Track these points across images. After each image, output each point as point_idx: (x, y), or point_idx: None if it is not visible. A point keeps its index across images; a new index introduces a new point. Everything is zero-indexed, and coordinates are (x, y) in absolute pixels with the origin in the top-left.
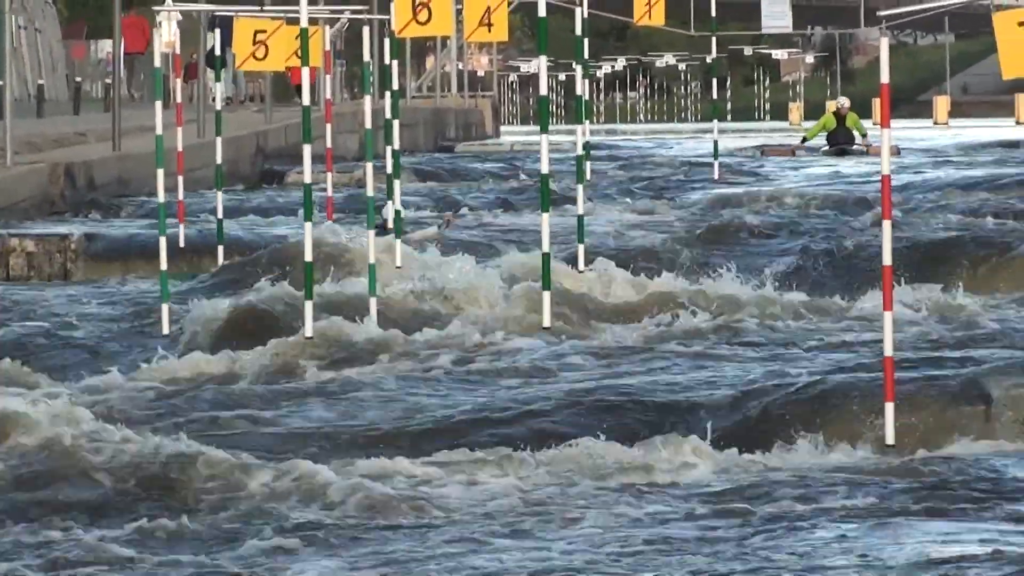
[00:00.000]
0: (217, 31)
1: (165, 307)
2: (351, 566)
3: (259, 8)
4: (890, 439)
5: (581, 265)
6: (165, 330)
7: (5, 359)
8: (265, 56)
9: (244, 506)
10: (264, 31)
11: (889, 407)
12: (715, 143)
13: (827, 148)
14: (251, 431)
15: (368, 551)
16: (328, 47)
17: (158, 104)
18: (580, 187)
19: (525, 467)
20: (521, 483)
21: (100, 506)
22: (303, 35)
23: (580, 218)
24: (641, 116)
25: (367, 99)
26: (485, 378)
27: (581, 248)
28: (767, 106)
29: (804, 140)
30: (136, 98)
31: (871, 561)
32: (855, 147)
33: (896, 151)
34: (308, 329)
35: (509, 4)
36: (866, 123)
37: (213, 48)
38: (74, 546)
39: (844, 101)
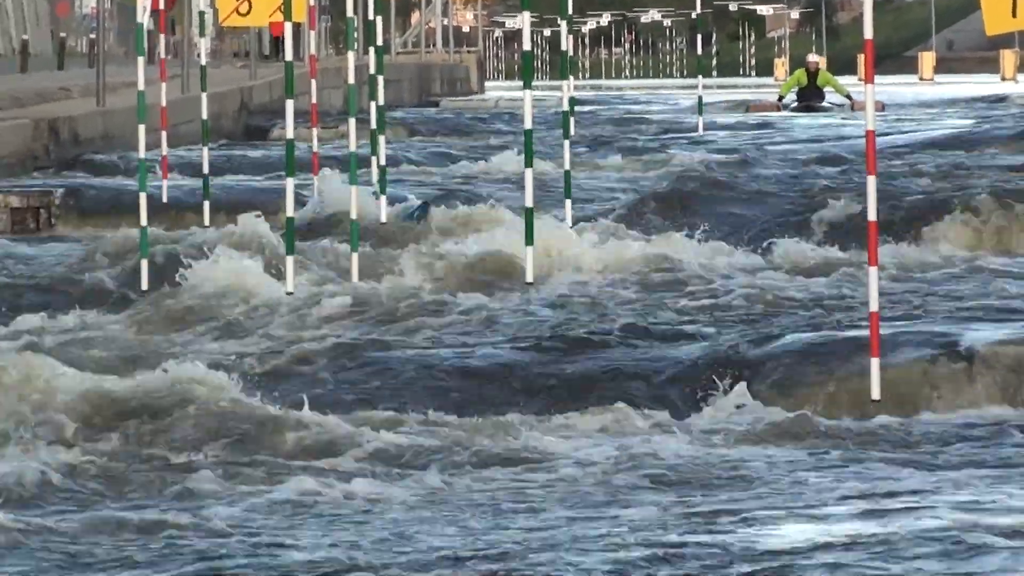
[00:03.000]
0: None
1: (144, 263)
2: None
3: None
4: (876, 395)
5: (568, 221)
6: (144, 286)
7: None
8: (248, 11)
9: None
10: None
11: (875, 362)
12: (699, 99)
13: (796, 104)
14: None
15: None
16: (312, 2)
17: (140, 59)
18: (566, 143)
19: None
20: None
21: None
22: None
23: (567, 173)
24: (627, 72)
25: (351, 55)
26: (466, 335)
27: (568, 203)
28: (752, 62)
29: (780, 98)
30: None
31: (860, 515)
32: (826, 104)
33: (881, 107)
34: (290, 284)
35: None
36: (851, 79)
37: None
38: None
39: (813, 58)
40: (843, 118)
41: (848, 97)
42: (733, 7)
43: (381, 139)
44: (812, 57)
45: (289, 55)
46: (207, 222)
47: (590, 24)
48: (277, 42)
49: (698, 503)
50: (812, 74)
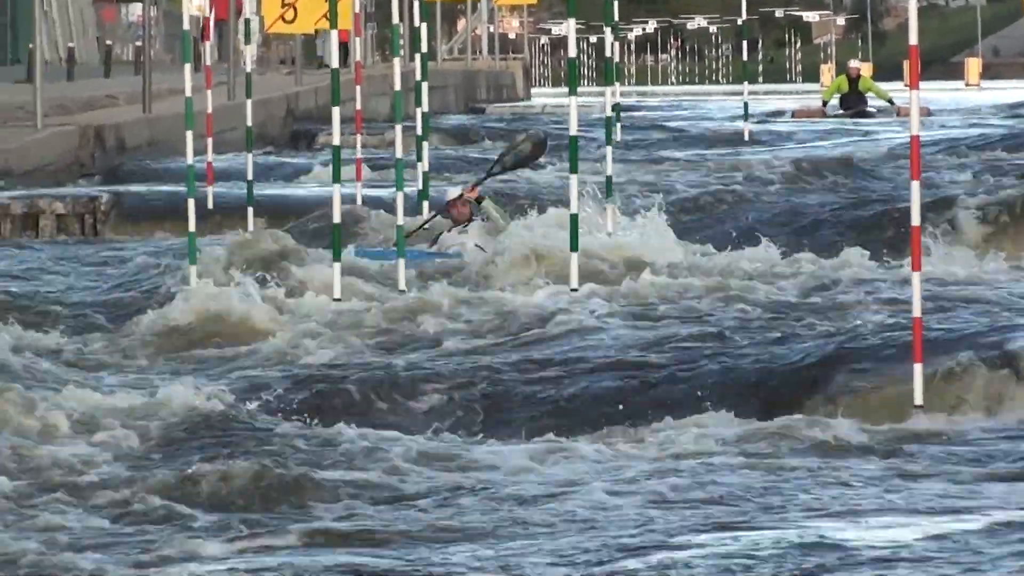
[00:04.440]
0: None
1: (193, 268)
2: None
3: None
4: (919, 399)
5: (610, 226)
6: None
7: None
8: (294, 19)
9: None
10: None
11: (918, 368)
12: (745, 105)
13: (841, 112)
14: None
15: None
16: (358, 9)
17: (187, 67)
18: (609, 148)
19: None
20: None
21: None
22: None
23: (608, 179)
24: (672, 78)
25: (396, 61)
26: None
27: (610, 209)
28: (799, 68)
29: (825, 103)
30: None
31: (902, 520)
32: (869, 109)
33: (927, 112)
34: (337, 290)
35: None
36: (897, 84)
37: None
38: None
39: (854, 64)
40: (886, 123)
41: (890, 102)
42: (779, 13)
43: (425, 145)
44: (853, 63)
45: (335, 62)
46: (251, 227)
47: (636, 31)
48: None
49: (742, 508)
50: (853, 80)
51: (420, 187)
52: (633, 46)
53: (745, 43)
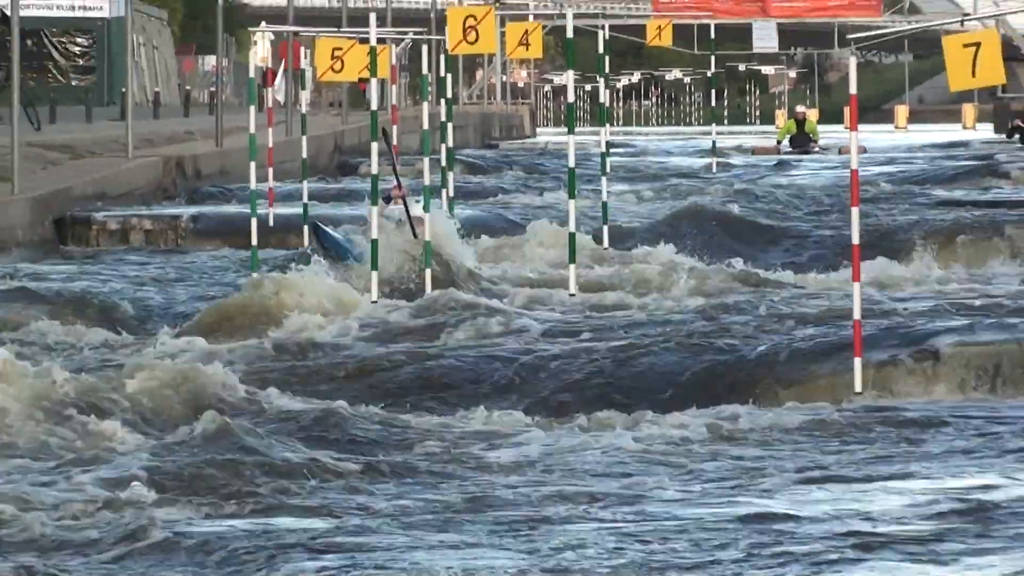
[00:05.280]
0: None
1: (254, 275)
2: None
3: (336, 29)
4: (858, 387)
5: (605, 242)
6: None
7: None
8: (341, 69)
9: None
10: (341, 48)
11: (857, 361)
12: (713, 143)
13: (789, 150)
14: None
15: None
16: (394, 62)
17: (252, 108)
18: (603, 178)
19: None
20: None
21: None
22: (372, 52)
23: (604, 204)
24: (653, 120)
25: (425, 105)
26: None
27: (605, 228)
28: (757, 112)
29: (778, 142)
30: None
31: (843, 487)
32: (814, 148)
33: (862, 150)
34: (374, 294)
35: (544, 28)
36: (837, 127)
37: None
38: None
39: (800, 109)
40: (827, 159)
41: (815, 140)
42: (742, 68)
43: (450, 175)
44: (800, 109)
45: (375, 105)
46: (306, 243)
47: (623, 80)
48: (362, 95)
49: (713, 479)
50: (800, 123)
51: (446, 208)
52: (621, 93)
53: (713, 91)
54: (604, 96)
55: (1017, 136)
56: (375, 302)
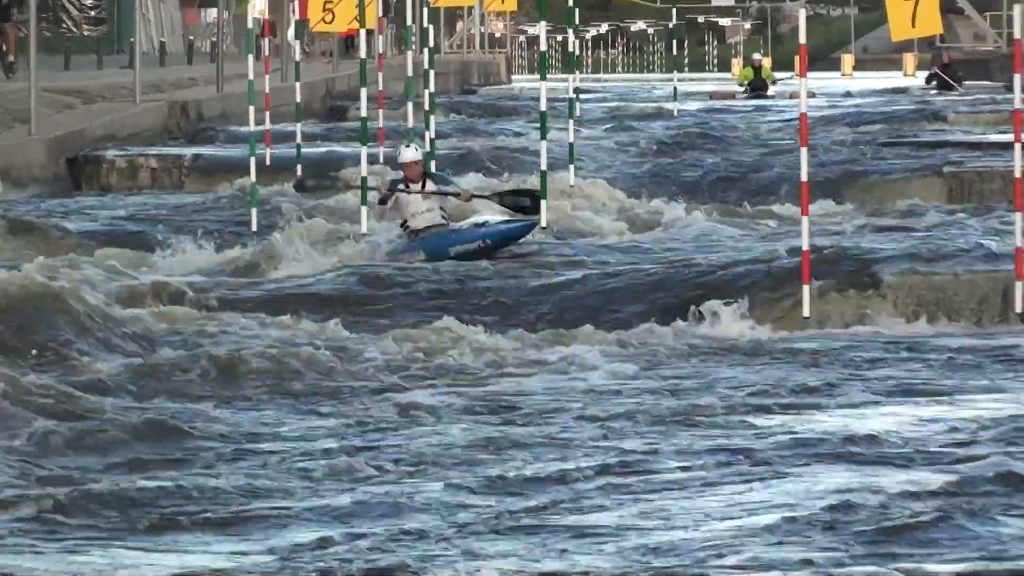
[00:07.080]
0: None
1: (254, 211)
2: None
3: None
4: (807, 312)
5: (571, 179)
6: (254, 228)
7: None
8: (332, 20)
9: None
10: (332, 1)
11: (806, 288)
12: (675, 88)
13: (747, 94)
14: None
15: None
16: (381, 13)
17: (251, 57)
18: (571, 121)
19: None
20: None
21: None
22: (361, 4)
23: (571, 145)
24: (619, 68)
25: (409, 54)
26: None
27: (571, 167)
28: (715, 61)
29: (741, 85)
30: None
31: (783, 402)
32: (769, 93)
33: (811, 95)
34: (363, 227)
35: None
36: (789, 74)
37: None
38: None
39: (756, 56)
40: (781, 103)
41: (773, 82)
42: (701, 19)
43: (432, 118)
44: (756, 56)
45: (363, 53)
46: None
47: (592, 32)
48: (346, 42)
49: (674, 385)
50: (757, 69)
51: (428, 148)
52: (590, 43)
53: (675, 42)
54: (573, 46)
55: (935, 83)
56: (365, 234)
